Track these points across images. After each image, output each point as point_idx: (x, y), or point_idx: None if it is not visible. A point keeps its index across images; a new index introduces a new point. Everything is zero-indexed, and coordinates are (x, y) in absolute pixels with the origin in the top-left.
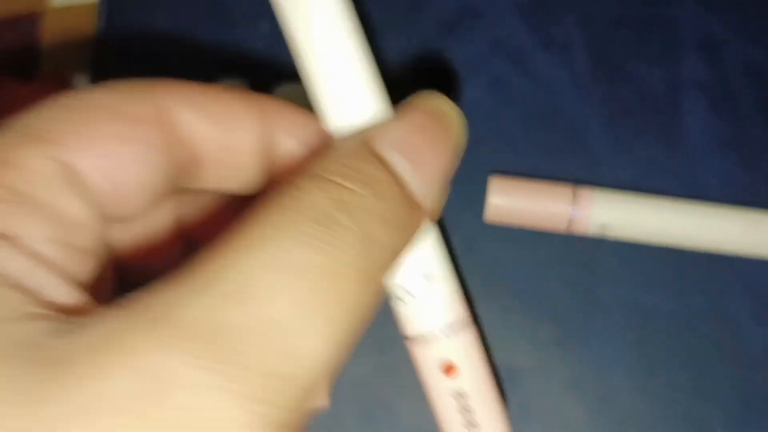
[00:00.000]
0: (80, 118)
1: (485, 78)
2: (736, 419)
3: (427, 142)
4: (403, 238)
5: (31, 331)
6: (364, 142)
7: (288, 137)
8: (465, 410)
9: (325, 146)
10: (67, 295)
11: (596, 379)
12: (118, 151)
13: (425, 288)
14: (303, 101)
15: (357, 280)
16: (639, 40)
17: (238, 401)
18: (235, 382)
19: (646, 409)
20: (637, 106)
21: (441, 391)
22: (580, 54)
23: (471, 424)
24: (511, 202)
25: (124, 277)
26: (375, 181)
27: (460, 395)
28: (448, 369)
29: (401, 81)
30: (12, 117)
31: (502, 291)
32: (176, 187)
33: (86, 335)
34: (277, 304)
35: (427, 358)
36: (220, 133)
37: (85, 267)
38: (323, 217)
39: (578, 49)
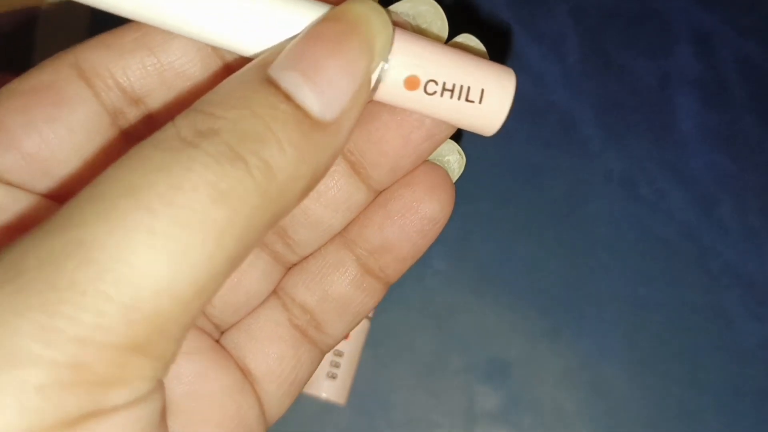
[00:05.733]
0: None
1: None
2: (729, 410)
3: (326, 49)
4: (305, 160)
5: None
6: (257, 69)
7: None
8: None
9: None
10: None
11: (589, 371)
12: (43, 127)
13: None
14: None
15: (203, 196)
16: (631, 33)
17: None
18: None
19: (638, 400)
20: (630, 99)
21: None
22: (571, 47)
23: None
24: None
25: None
26: (255, 103)
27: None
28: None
29: None
30: None
31: (495, 283)
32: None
33: None
34: (96, 230)
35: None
36: (154, 65)
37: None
38: (173, 142)
39: (570, 42)
